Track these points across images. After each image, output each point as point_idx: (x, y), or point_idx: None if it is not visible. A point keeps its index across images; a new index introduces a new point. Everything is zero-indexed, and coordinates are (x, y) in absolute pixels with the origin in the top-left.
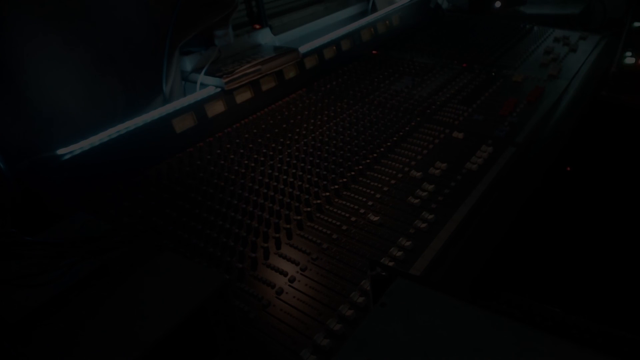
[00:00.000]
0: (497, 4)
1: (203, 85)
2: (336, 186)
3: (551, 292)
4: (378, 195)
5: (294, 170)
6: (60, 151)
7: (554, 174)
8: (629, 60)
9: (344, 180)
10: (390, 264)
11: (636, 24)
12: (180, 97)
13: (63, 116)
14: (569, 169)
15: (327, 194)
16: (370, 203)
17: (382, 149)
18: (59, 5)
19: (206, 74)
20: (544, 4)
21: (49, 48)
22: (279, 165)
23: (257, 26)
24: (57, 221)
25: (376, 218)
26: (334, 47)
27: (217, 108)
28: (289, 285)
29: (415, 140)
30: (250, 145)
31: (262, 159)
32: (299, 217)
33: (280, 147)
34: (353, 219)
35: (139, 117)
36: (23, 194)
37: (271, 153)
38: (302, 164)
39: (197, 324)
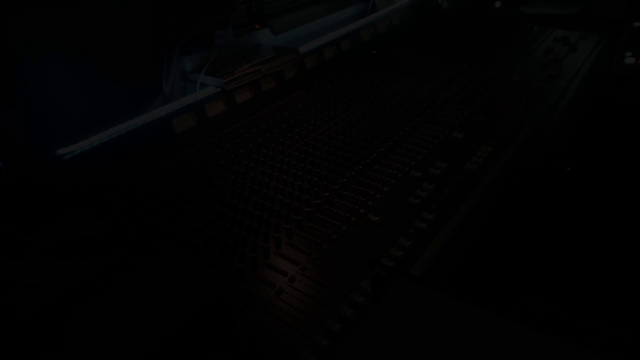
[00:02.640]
0: (497, 4)
1: (203, 85)
2: (336, 186)
3: (551, 292)
4: (378, 195)
5: (294, 170)
6: (60, 151)
7: (554, 174)
8: (629, 60)
9: (344, 180)
10: (390, 264)
11: (636, 24)
12: (180, 97)
13: (63, 116)
14: (569, 169)
15: (327, 194)
16: (370, 203)
17: (382, 149)
18: (59, 5)
19: (206, 74)
20: (544, 4)
21: (50, 48)
22: (279, 165)
23: (257, 26)
24: (57, 221)
25: (376, 218)
26: (334, 47)
27: (217, 108)
28: (289, 285)
29: (415, 140)
30: (250, 145)
31: (262, 159)
32: (299, 217)
33: (280, 147)
34: (353, 219)
35: (139, 117)
36: (23, 194)
37: (271, 153)
38: (302, 164)
39: (197, 325)
